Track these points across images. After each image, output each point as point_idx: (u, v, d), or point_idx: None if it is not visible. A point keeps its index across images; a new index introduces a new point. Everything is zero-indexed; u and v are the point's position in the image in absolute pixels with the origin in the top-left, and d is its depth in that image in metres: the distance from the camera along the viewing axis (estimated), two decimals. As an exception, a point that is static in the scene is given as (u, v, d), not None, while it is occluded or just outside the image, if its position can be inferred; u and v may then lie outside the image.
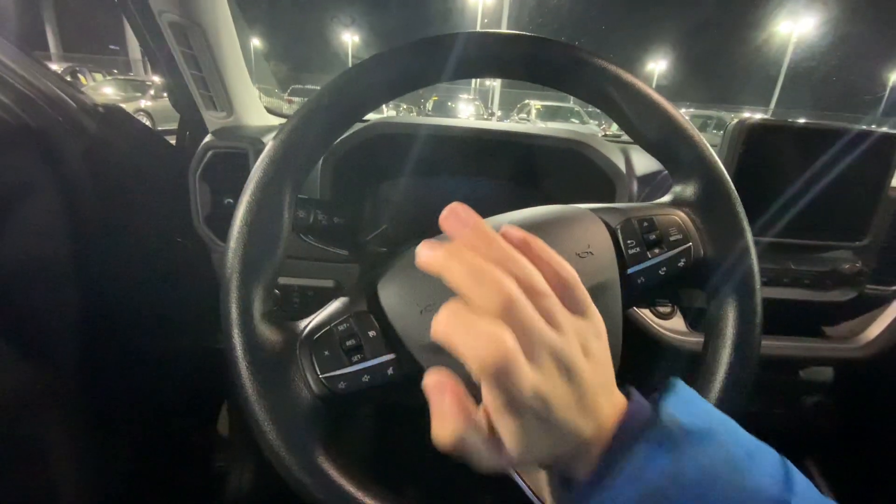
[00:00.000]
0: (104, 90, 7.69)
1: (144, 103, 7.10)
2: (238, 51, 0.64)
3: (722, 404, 0.31)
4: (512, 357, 0.17)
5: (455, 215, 0.20)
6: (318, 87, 0.32)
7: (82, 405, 0.57)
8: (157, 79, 7.55)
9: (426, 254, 0.19)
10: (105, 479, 0.62)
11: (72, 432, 0.56)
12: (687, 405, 0.21)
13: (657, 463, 0.19)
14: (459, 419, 0.19)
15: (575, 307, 0.21)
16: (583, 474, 0.21)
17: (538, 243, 0.21)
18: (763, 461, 0.20)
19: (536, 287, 0.19)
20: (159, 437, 0.74)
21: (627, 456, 0.20)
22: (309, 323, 0.31)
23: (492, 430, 0.20)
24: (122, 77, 9.18)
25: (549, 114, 8.74)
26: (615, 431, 0.21)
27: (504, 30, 0.32)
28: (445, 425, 0.19)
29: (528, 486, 0.30)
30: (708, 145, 0.33)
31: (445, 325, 0.18)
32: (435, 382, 0.20)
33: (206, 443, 0.88)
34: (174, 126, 0.75)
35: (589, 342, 0.21)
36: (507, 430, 0.20)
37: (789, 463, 0.21)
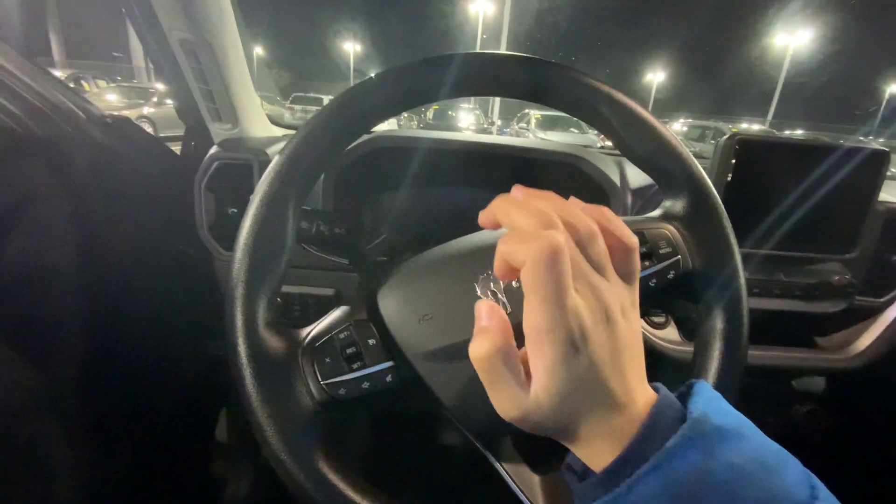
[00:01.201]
0: (107, 97, 7.73)
1: (147, 110, 7.14)
2: (244, 66, 0.66)
3: None
4: (561, 249, 0.19)
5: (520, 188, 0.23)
6: (319, 96, 0.33)
7: (82, 410, 0.58)
8: (159, 86, 7.62)
9: (487, 212, 0.23)
10: (103, 484, 0.62)
11: (71, 437, 0.56)
12: (716, 404, 0.21)
13: (687, 457, 0.18)
14: (499, 338, 0.20)
15: (625, 272, 0.22)
16: (603, 460, 0.20)
17: (606, 210, 0.23)
18: (789, 465, 0.19)
19: (583, 229, 0.21)
20: (157, 443, 0.74)
21: (657, 446, 0.19)
22: (311, 331, 0.32)
23: (526, 374, 0.21)
24: (125, 84, 9.23)
25: (548, 123, 8.77)
26: (645, 419, 0.20)
27: (500, 51, 0.34)
28: (485, 340, 0.21)
29: (518, 486, 0.30)
30: (696, 162, 0.35)
31: (505, 242, 0.20)
32: (486, 304, 0.22)
33: (204, 449, 0.88)
34: (176, 132, 0.76)
35: (627, 306, 0.22)
36: (541, 358, 0.20)
37: (808, 470, 0.20)
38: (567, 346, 0.19)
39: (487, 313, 0.22)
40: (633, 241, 0.22)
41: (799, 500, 0.18)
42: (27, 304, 0.51)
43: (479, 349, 0.21)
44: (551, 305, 0.19)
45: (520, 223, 0.21)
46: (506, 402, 0.21)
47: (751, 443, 0.19)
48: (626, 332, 0.21)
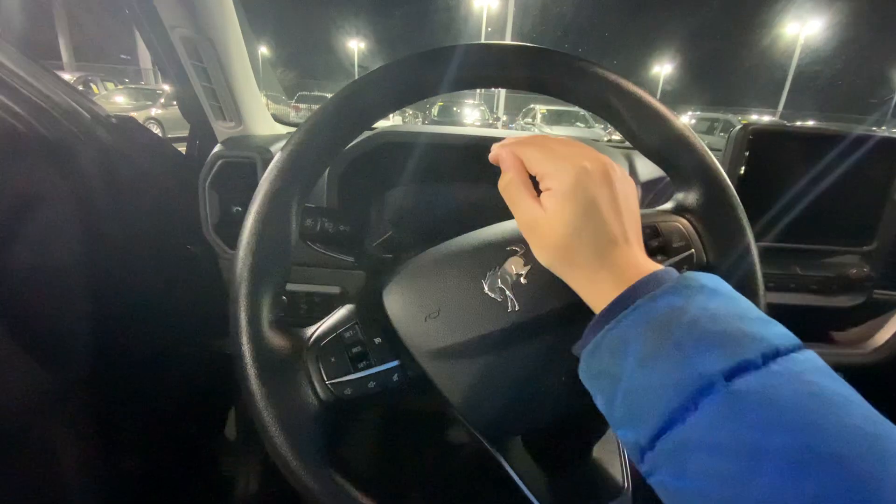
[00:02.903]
0: (116, 99, 7.83)
1: (155, 111, 7.22)
2: (247, 63, 0.65)
3: None
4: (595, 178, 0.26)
5: None
6: (324, 94, 0.33)
7: (91, 409, 0.58)
8: (167, 87, 7.69)
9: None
10: (112, 483, 0.62)
11: (80, 436, 0.57)
12: (710, 276, 0.23)
13: (666, 300, 0.22)
14: (516, 171, 0.28)
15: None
16: (604, 299, 0.24)
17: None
18: (776, 326, 0.21)
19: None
20: (167, 442, 0.75)
21: (644, 293, 0.23)
22: (316, 330, 0.32)
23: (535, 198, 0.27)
24: (133, 86, 9.34)
25: (554, 118, 8.73)
26: (646, 275, 0.24)
27: (505, 41, 0.33)
28: (507, 174, 0.28)
29: (526, 486, 0.30)
30: (709, 152, 0.33)
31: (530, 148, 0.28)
32: (503, 150, 0.29)
33: (213, 447, 0.89)
34: (184, 133, 0.76)
35: (625, 179, 0.28)
36: (554, 186, 0.26)
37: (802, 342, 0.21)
38: (574, 181, 0.25)
39: (508, 159, 0.29)
40: None
41: (774, 343, 0.19)
42: (34, 304, 0.51)
43: (503, 180, 0.28)
44: (566, 164, 0.26)
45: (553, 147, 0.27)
46: (523, 213, 0.27)
47: (733, 300, 0.22)
48: (624, 194, 0.27)
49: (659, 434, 0.20)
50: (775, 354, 0.19)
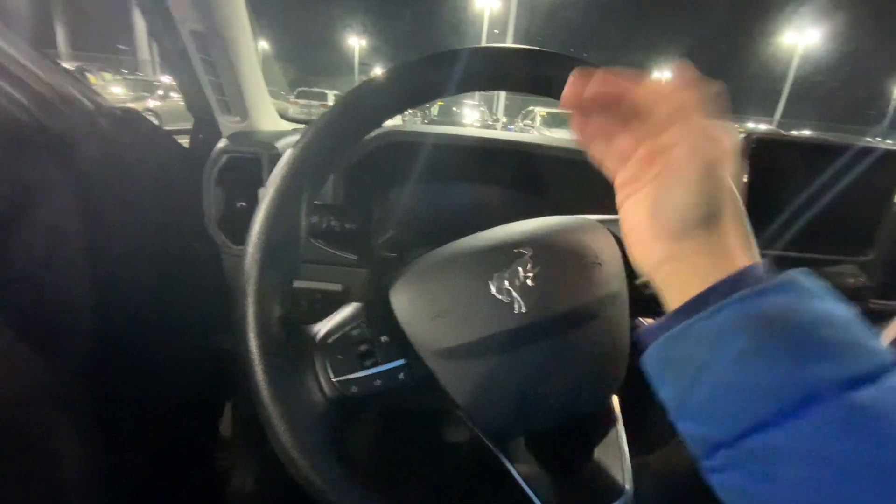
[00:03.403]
0: (113, 89, 7.75)
1: (152, 103, 7.14)
2: (254, 59, 0.65)
3: None
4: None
5: None
6: (324, 91, 0.33)
7: (88, 403, 0.58)
8: (165, 79, 7.62)
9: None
10: (109, 477, 0.62)
11: (77, 430, 0.56)
12: (810, 275, 0.22)
13: (775, 299, 0.20)
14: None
15: None
16: (688, 286, 0.23)
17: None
18: (877, 337, 0.20)
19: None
20: (163, 437, 0.74)
21: (748, 286, 0.21)
22: (323, 327, 0.32)
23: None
24: (130, 77, 9.26)
25: (553, 121, 8.74)
26: (744, 266, 0.22)
27: (515, 45, 0.33)
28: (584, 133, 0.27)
29: (530, 487, 0.30)
30: None
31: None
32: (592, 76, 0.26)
33: (210, 443, 0.88)
34: (181, 126, 0.76)
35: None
36: (682, 143, 0.23)
37: None
38: (705, 151, 0.22)
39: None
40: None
41: (887, 356, 0.18)
42: (34, 296, 0.51)
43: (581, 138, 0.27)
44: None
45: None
46: (607, 161, 0.27)
47: (839, 305, 0.20)
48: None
49: (746, 433, 0.19)
50: (889, 368, 0.18)
